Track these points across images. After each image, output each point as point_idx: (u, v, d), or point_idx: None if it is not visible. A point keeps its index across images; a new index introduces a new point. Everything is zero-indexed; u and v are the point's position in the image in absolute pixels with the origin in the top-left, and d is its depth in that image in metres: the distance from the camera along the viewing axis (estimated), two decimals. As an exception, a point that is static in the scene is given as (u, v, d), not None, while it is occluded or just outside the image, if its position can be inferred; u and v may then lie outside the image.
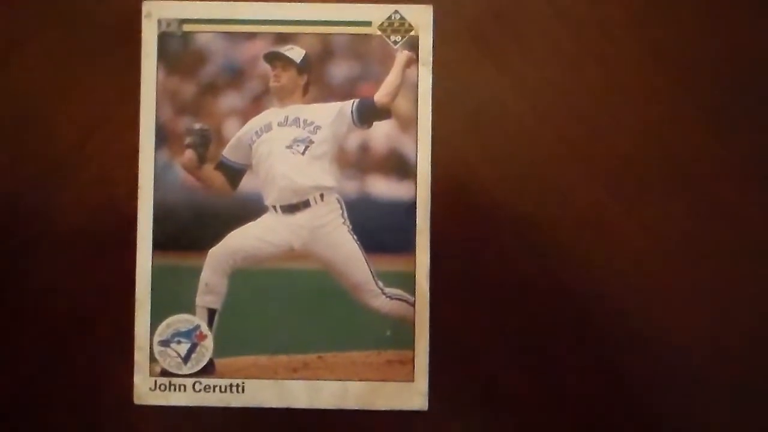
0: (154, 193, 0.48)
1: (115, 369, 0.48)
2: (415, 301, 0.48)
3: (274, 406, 0.48)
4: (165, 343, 0.48)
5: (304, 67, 0.49)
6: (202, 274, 0.48)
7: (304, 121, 0.49)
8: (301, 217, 0.49)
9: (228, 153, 0.49)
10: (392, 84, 0.49)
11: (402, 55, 0.49)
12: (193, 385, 0.48)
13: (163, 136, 0.49)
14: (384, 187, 0.49)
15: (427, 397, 0.48)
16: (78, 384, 0.49)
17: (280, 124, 0.49)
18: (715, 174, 0.49)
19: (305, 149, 0.49)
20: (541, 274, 0.49)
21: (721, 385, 0.48)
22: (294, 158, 0.49)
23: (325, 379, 0.48)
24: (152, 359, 0.48)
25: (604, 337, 0.49)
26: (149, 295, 0.48)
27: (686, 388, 0.48)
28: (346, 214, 0.49)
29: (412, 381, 0.48)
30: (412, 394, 0.48)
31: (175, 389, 0.48)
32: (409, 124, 0.49)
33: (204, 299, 0.48)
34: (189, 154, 0.49)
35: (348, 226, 0.48)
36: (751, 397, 0.48)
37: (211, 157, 0.49)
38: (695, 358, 0.48)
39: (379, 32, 0.49)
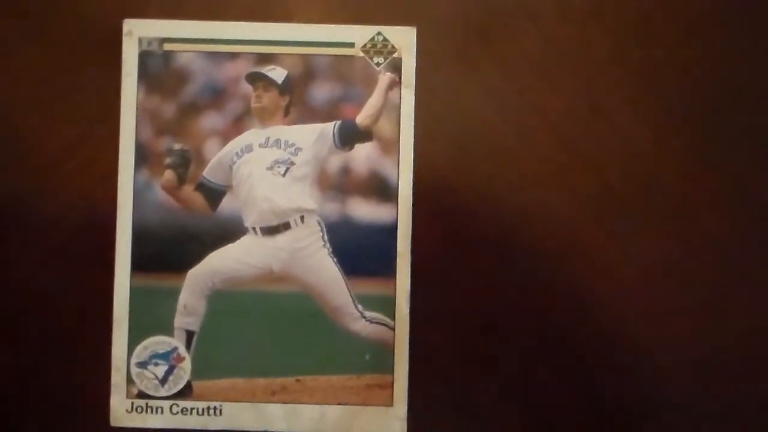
0: (133, 213, 0.48)
1: (91, 390, 0.48)
2: (395, 325, 0.48)
3: (251, 429, 0.48)
4: (142, 364, 0.48)
5: (286, 88, 0.49)
6: (181, 295, 0.48)
7: (286, 142, 0.49)
8: (281, 239, 0.48)
9: (208, 174, 0.49)
10: (374, 106, 0.48)
11: (385, 77, 0.48)
12: (171, 408, 0.48)
13: (142, 156, 0.48)
14: (365, 210, 0.48)
15: (405, 423, 0.47)
16: (54, 405, 0.48)
17: (261, 146, 0.49)
18: (701, 201, 0.49)
19: (286, 171, 0.48)
20: (523, 299, 0.48)
21: (705, 408, 0.48)
22: (275, 180, 0.48)
23: (303, 403, 0.48)
24: (129, 381, 0.48)
25: (587, 361, 0.48)
26: (127, 316, 0.48)
27: (670, 411, 0.48)
28: (326, 237, 0.48)
29: (391, 406, 0.47)
30: (391, 419, 0.47)
31: (152, 411, 0.48)
32: (391, 146, 0.48)
33: (182, 321, 0.48)
34: (168, 175, 0.48)
35: (328, 249, 0.48)
36: (735, 419, 0.48)
37: (191, 178, 0.48)
38: (679, 385, 0.48)
39: (361, 54, 0.49)
